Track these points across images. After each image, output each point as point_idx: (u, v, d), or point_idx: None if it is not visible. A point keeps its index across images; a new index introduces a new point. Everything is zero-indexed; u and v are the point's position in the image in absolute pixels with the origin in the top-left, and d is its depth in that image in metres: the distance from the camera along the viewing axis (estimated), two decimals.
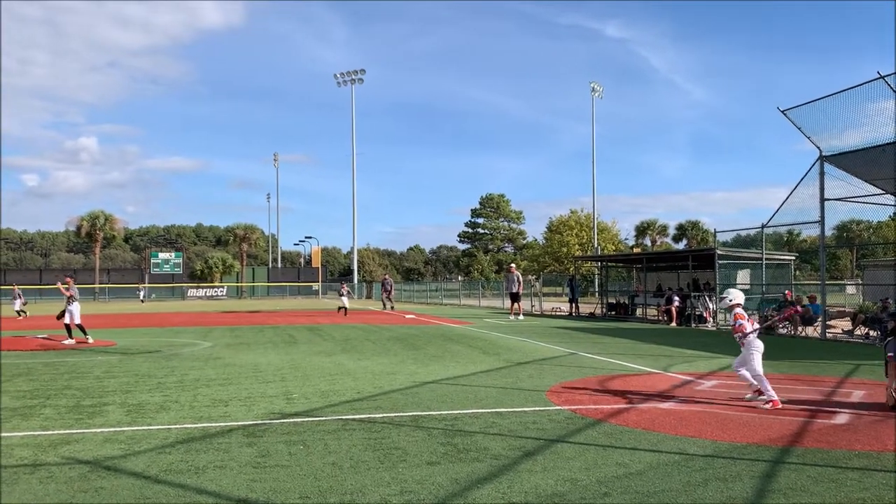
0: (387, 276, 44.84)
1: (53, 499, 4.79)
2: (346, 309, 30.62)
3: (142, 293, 62.91)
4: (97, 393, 9.37)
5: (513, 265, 36.28)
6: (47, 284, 65.58)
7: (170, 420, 7.55)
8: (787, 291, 21.30)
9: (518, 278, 29.08)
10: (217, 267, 76.90)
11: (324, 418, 7.61)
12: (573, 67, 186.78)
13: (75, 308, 17.00)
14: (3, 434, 6.88)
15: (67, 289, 17.10)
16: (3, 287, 59.03)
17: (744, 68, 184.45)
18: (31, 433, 6.91)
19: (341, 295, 31.71)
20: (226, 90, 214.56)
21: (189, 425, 7.27)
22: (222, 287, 74.78)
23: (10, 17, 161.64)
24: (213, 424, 7.30)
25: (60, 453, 6.07)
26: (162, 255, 78.60)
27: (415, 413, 7.88)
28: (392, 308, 36.68)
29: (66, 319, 17.10)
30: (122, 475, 5.37)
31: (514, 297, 28.57)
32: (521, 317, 27.64)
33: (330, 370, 11.73)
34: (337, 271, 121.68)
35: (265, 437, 6.70)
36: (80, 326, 17.06)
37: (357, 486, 5.08)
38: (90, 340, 16.73)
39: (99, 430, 7.06)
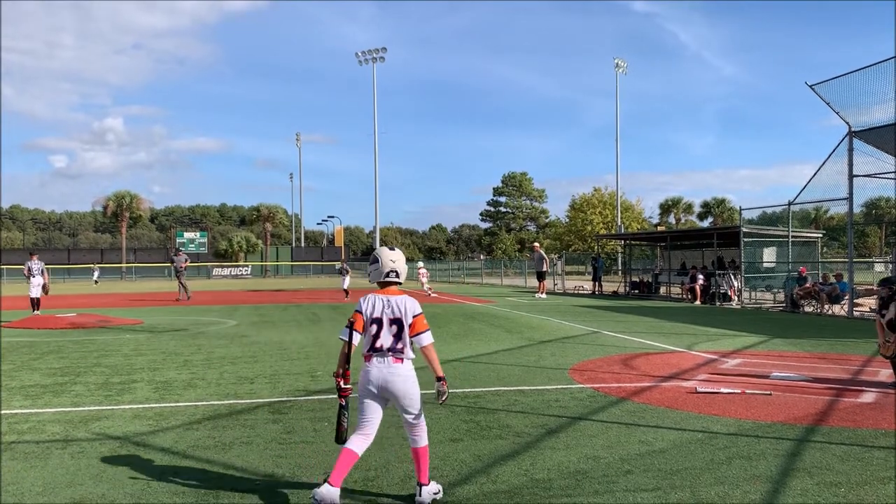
0: (179, 251, 30.86)
1: (85, 473, 4.90)
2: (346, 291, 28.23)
3: (95, 274, 58.21)
4: (126, 370, 9.54)
5: (536, 244, 35.95)
6: (75, 264, 66.69)
7: (197, 397, 7.66)
8: (801, 269, 20.98)
9: (542, 256, 28.97)
10: (241, 246, 77.51)
11: None
12: (599, 44, 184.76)
13: (32, 283, 18.74)
14: (35, 410, 7.04)
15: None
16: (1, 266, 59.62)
17: (775, 42, 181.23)
18: (63, 409, 7.06)
19: (344, 273, 29.18)
20: (250, 71, 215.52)
21: (216, 402, 7.38)
22: (247, 266, 75.41)
23: (39, 1, 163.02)
24: (240, 401, 7.40)
25: (91, 429, 6.20)
26: (187, 235, 79.27)
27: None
28: (188, 297, 26.75)
29: (32, 294, 18.81)
30: (150, 450, 5.48)
31: (540, 276, 28.52)
32: (543, 295, 27.58)
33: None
34: (360, 250, 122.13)
35: (290, 413, 6.78)
36: (31, 300, 18.76)
37: (381, 461, 5.13)
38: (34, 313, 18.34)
39: (128, 406, 7.20)
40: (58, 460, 5.22)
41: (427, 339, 4.26)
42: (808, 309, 19.99)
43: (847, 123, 18.02)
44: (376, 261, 4.40)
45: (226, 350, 11.66)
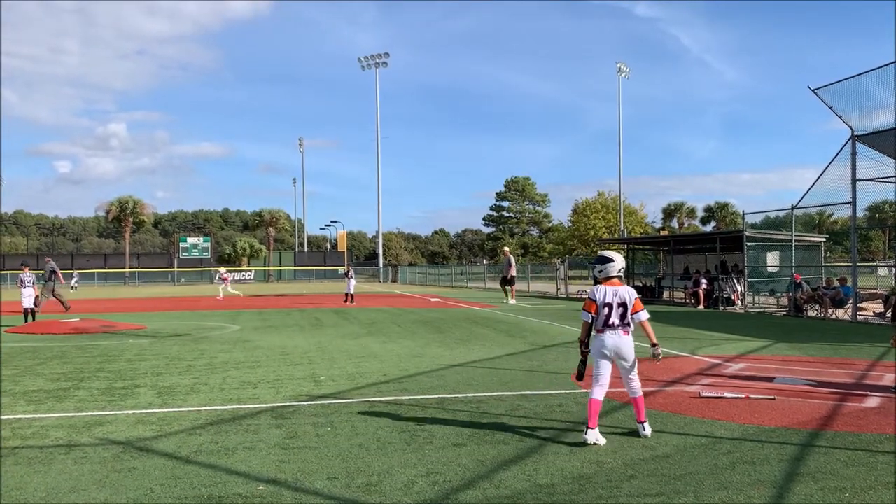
0: (48, 259, 24.38)
1: (88, 478, 4.90)
2: (350, 296, 28.21)
3: (74, 279, 53.53)
4: (129, 375, 9.54)
5: (506, 248, 34.67)
6: (79, 269, 66.74)
7: (200, 402, 7.67)
8: (795, 275, 20.93)
9: (511, 261, 28.30)
10: (244, 251, 77.58)
11: (351, 400, 7.68)
12: (602, 48, 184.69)
13: (23, 293, 18.58)
14: (39, 415, 7.05)
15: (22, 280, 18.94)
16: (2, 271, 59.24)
17: (777, 46, 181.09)
18: (66, 414, 7.06)
19: (349, 277, 29.57)
20: (252, 76, 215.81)
21: (219, 407, 7.38)
22: (250, 271, 75.42)
23: (43, 6, 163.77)
24: (242, 406, 7.40)
25: (94, 434, 6.20)
26: (190, 240, 79.09)
27: (440, 396, 7.92)
28: (66, 308, 22.29)
29: (25, 304, 18.61)
30: (153, 456, 5.48)
31: (507, 281, 27.76)
32: (512, 301, 26.85)
33: (356, 353, 11.81)
34: (363, 255, 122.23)
35: (293, 418, 6.78)
36: (24, 311, 18.55)
37: (384, 467, 5.12)
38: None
39: (131, 411, 7.20)
40: (61, 465, 5.23)
41: (644, 315, 5.88)
42: (811, 313, 19.95)
43: (850, 127, 18.00)
44: (608, 261, 5.98)
45: (229, 355, 11.67)
